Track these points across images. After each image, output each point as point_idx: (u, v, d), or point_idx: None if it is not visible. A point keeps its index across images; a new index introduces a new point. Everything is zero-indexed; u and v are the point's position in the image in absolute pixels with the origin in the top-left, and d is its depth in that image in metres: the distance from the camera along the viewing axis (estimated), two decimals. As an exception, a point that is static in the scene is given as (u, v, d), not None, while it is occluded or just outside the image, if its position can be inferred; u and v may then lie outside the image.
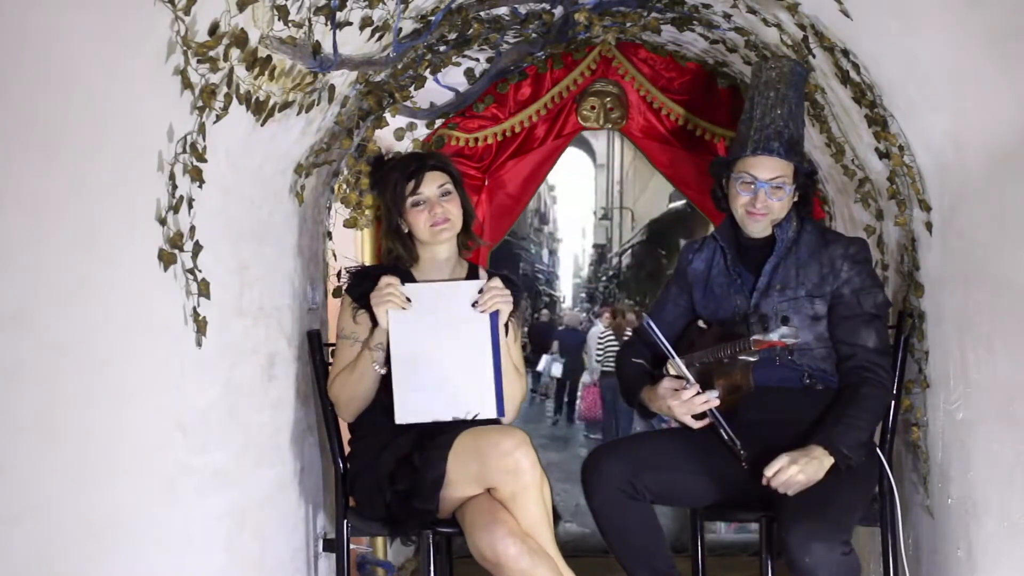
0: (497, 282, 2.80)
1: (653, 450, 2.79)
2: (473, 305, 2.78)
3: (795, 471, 2.57)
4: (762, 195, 2.77)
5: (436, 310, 2.77)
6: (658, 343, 2.77)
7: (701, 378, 2.78)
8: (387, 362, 2.77)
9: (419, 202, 2.83)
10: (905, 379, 2.98)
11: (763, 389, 2.74)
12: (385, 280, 2.76)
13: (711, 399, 2.73)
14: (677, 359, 2.76)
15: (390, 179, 2.87)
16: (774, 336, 2.65)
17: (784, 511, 2.55)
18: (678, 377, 2.79)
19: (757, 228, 2.83)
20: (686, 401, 2.74)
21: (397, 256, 2.89)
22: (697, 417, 2.77)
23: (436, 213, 2.82)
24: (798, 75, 2.89)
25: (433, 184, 2.84)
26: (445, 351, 2.76)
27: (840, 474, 2.61)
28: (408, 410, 2.74)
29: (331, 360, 3.01)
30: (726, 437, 2.72)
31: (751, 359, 2.73)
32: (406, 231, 2.88)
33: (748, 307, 2.81)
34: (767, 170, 2.78)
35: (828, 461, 2.60)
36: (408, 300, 2.76)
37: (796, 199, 2.85)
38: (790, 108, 2.83)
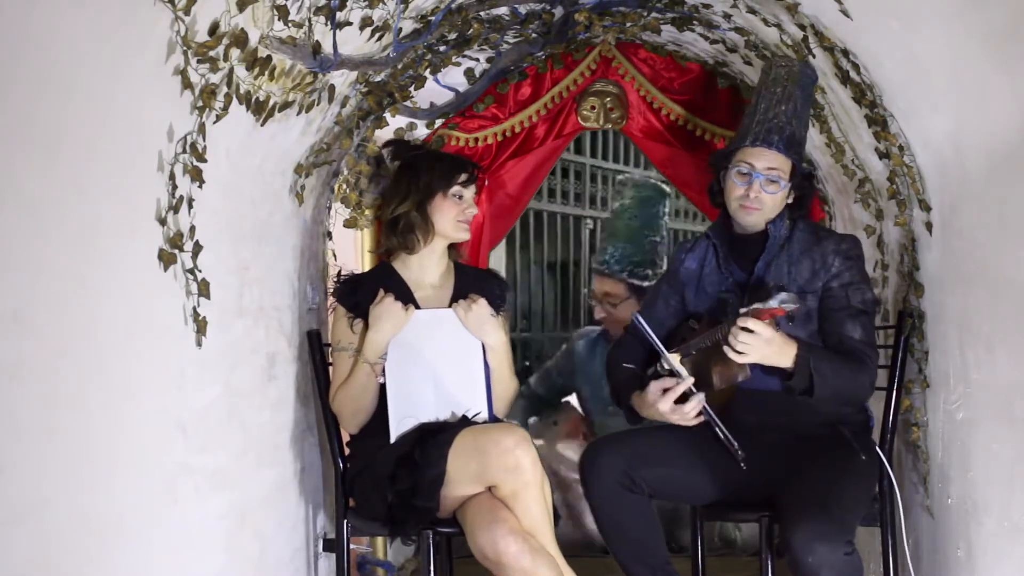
0: (480, 306, 2.89)
1: (652, 444, 2.78)
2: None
3: (759, 343, 2.55)
4: (756, 186, 2.76)
5: (430, 335, 2.88)
6: (648, 340, 2.75)
7: (696, 370, 2.72)
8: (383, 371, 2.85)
9: (460, 195, 2.96)
10: (905, 379, 2.98)
11: (758, 391, 2.73)
12: (389, 300, 2.86)
13: (701, 400, 2.68)
14: (667, 355, 2.72)
15: (438, 163, 3.00)
16: (774, 303, 2.55)
17: (786, 511, 2.55)
18: (670, 375, 2.74)
19: (749, 221, 2.81)
20: (675, 409, 2.71)
21: (399, 241, 2.94)
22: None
23: (468, 213, 2.99)
24: (807, 77, 2.88)
25: (472, 190, 3.03)
26: (438, 376, 2.86)
27: (841, 474, 2.61)
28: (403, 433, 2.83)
29: (331, 360, 3.02)
30: (722, 437, 2.70)
31: None
32: (416, 219, 2.92)
33: (740, 305, 2.78)
34: (764, 160, 2.77)
35: (790, 355, 2.60)
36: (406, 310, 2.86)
37: (791, 200, 2.84)
38: (795, 107, 2.82)
